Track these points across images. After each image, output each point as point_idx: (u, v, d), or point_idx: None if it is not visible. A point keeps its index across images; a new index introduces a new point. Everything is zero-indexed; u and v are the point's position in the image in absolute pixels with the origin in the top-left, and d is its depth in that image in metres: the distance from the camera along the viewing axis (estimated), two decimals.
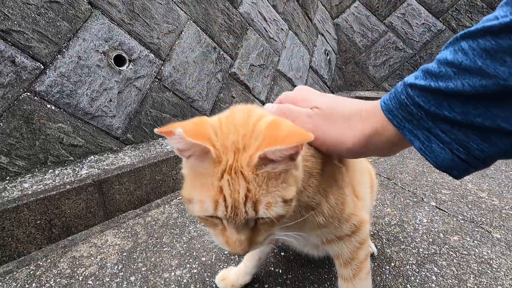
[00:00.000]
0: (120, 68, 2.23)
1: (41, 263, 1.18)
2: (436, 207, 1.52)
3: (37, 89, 1.83)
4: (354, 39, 5.12)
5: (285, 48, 3.93)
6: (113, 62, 2.19)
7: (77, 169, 1.80)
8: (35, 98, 1.82)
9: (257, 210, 0.45)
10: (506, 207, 1.52)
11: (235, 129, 0.49)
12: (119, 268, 1.10)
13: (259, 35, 3.53)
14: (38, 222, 1.50)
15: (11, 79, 1.73)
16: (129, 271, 1.07)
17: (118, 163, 1.91)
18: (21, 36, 1.78)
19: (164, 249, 1.22)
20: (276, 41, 3.79)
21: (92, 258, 1.17)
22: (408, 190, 1.73)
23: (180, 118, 2.57)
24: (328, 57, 4.86)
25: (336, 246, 0.68)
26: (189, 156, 0.49)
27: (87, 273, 1.07)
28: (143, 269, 1.10)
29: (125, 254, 1.18)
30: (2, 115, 1.69)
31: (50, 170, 1.77)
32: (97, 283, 1.02)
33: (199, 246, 1.24)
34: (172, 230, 1.38)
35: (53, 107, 1.88)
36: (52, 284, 1.02)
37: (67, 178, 1.69)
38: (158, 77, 2.47)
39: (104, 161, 1.93)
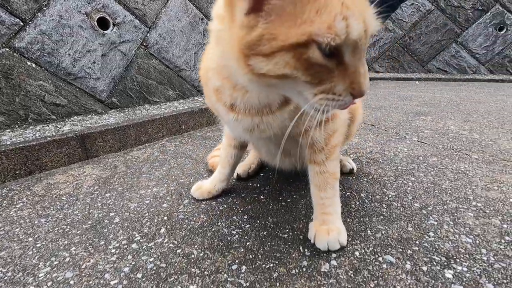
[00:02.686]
0: (104, 31, 2.19)
1: (14, 188, 1.15)
2: (418, 141, 1.54)
3: (16, 45, 1.78)
4: None
5: None
6: (96, 24, 2.14)
7: (59, 126, 1.77)
8: (14, 54, 1.77)
9: (372, 20, 0.43)
10: (487, 139, 1.56)
11: None
12: (95, 188, 1.07)
13: None
14: (17, 172, 1.47)
15: None
16: (104, 190, 1.05)
17: (102, 122, 1.88)
18: None
19: (143, 176, 1.20)
20: None
21: (68, 183, 1.14)
22: (392, 131, 1.75)
23: (167, 86, 2.54)
24: None
25: (315, 133, 0.69)
26: None
27: (61, 193, 1.04)
28: (119, 188, 1.07)
29: (102, 180, 1.16)
30: None
31: (31, 127, 1.73)
32: (71, 198, 1.00)
33: (178, 172, 1.23)
34: (153, 164, 1.35)
35: (33, 65, 1.83)
36: (25, 201, 0.99)
37: (48, 132, 1.65)
38: (144, 44, 2.43)
39: (87, 121, 1.89)
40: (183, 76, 2.69)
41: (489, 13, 4.46)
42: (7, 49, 1.74)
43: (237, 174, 1.14)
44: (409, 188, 1.02)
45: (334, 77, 0.43)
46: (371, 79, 4.67)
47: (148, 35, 2.46)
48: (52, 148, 1.56)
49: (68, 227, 0.81)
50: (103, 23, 2.20)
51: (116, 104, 2.20)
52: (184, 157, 1.45)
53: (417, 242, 0.73)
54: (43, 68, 1.87)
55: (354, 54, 0.42)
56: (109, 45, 2.19)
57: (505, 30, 4.47)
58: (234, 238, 0.75)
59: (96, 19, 2.15)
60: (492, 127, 1.82)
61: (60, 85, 1.92)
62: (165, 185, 1.09)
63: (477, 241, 0.73)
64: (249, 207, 0.92)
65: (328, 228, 0.72)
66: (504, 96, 3.08)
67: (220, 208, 0.91)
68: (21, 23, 1.81)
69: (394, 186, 1.04)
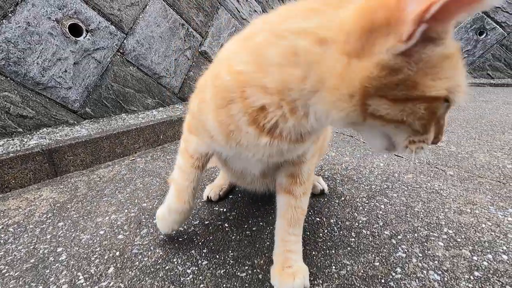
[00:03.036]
0: (77, 38, 2.10)
1: None
2: (395, 155, 1.50)
3: None
4: None
5: None
6: (67, 31, 2.05)
7: (25, 139, 1.67)
8: None
9: None
10: (463, 152, 1.54)
11: None
12: (48, 216, 1.00)
13: (231, 15, 3.44)
14: None
15: None
16: (58, 219, 0.97)
17: (73, 134, 1.79)
18: None
19: (104, 199, 1.13)
20: (249, 22, 3.71)
21: (20, 210, 1.05)
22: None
23: (145, 94, 2.46)
24: None
25: (305, 165, 0.72)
26: (433, 40, 0.38)
27: (9, 222, 0.96)
28: (75, 216, 0.99)
29: (58, 205, 1.08)
30: None
31: None
32: (18, 230, 0.92)
33: (143, 194, 1.17)
34: (117, 184, 1.28)
35: None
36: None
37: (12, 147, 1.56)
38: (121, 51, 2.35)
39: (57, 133, 1.80)
40: (163, 84, 2.62)
41: (469, 17, 4.50)
42: None
43: (208, 197, 1.08)
44: (380, 212, 0.98)
45: (430, 129, 0.45)
46: None
47: (125, 41, 2.38)
48: (15, 165, 1.48)
49: (6, 267, 0.74)
50: (75, 30, 2.11)
51: (90, 114, 2.11)
52: (152, 175, 1.38)
53: (383, 281, 0.69)
54: (8, 78, 1.77)
55: (446, 112, 0.46)
56: (82, 53, 2.10)
57: (485, 34, 4.53)
58: (188, 279, 0.70)
59: (67, 26, 2.05)
60: (469, 138, 1.81)
61: (27, 96, 1.83)
62: (126, 210, 1.03)
63: (445, 278, 0.69)
64: (211, 237, 0.86)
65: (293, 272, 0.67)
66: (483, 102, 3.09)
67: (179, 239, 0.85)
68: None
69: (366, 209, 1.00)
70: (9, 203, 1.15)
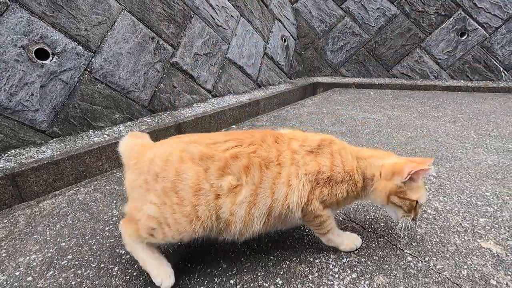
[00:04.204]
0: (43, 62, 2.25)
1: None
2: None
3: None
4: (312, 24, 5.15)
5: (235, 35, 3.94)
6: (34, 56, 2.20)
7: None
8: None
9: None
10: None
11: None
12: None
13: (205, 23, 3.53)
14: None
15: None
16: None
17: (38, 156, 1.98)
18: None
19: (33, 237, 1.26)
20: (225, 28, 3.80)
21: None
22: None
23: (113, 110, 2.62)
24: (286, 43, 4.90)
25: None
26: (412, 179, 1.03)
27: None
28: (3, 254, 1.14)
29: None
30: None
31: None
32: None
33: (66, 232, 1.30)
34: (51, 219, 1.42)
35: None
36: None
37: None
38: (88, 70, 2.49)
39: (24, 155, 1.99)
40: (132, 98, 2.77)
41: (451, 18, 4.50)
42: None
43: None
44: None
45: (412, 212, 1.08)
46: (334, 84, 4.75)
47: (92, 60, 2.52)
48: None
49: None
50: (42, 53, 2.26)
51: (58, 133, 2.29)
52: (84, 210, 1.52)
53: None
54: None
55: (419, 206, 1.08)
56: (49, 75, 2.26)
57: (466, 36, 4.53)
58: None
59: (33, 51, 2.20)
60: None
61: None
62: (46, 250, 1.19)
63: None
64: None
65: None
66: (435, 118, 3.16)
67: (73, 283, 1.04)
68: None
69: None
70: None
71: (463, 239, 1.19)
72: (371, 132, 2.60)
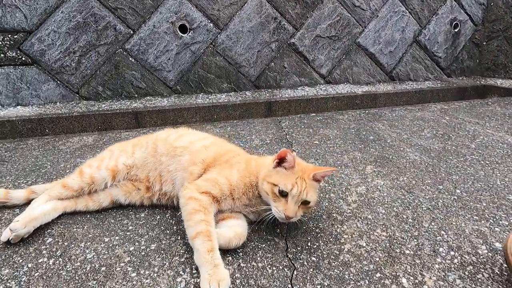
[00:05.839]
0: (182, 35, 2.94)
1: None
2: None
3: (126, 47, 2.83)
4: None
5: (376, 17, 3.44)
6: (177, 30, 2.92)
7: (134, 104, 2.75)
8: (124, 53, 2.83)
9: (307, 196, 1.02)
10: None
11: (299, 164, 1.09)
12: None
13: (339, 3, 3.30)
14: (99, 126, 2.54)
15: (112, 40, 2.78)
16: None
17: (158, 104, 2.73)
18: (121, 11, 2.77)
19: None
20: (363, 9, 3.39)
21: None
22: None
23: (223, 80, 3.09)
24: (457, 30, 3.75)
25: None
26: (282, 166, 1.06)
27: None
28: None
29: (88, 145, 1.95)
30: (105, 62, 2.80)
31: (121, 100, 2.81)
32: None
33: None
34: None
35: (133, 60, 2.86)
36: None
37: (123, 106, 2.66)
38: (213, 44, 3.03)
39: (151, 101, 2.80)
40: (242, 72, 3.14)
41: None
42: (120, 50, 2.82)
43: None
44: None
45: (281, 203, 1.01)
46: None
47: (218, 36, 3.03)
48: (118, 117, 2.55)
49: None
50: (182, 28, 2.95)
51: (178, 91, 3.01)
52: None
53: None
54: (137, 62, 2.87)
55: (292, 199, 1.00)
56: (183, 46, 2.94)
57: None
58: None
59: (178, 26, 2.92)
60: None
61: (144, 74, 2.89)
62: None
63: None
64: None
65: None
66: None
67: None
68: (131, 32, 2.82)
69: None
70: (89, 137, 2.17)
71: None
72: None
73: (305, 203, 1.04)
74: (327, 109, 2.96)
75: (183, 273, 0.90)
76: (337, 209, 1.25)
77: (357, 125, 2.40)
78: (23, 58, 2.62)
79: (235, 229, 1.00)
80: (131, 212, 1.21)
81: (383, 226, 1.14)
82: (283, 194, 1.01)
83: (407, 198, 1.33)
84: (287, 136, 2.16)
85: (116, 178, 1.19)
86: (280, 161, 1.06)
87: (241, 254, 0.99)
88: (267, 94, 3.03)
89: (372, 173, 1.55)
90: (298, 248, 1.03)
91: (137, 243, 1.04)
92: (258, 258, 0.98)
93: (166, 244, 1.03)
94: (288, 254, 1.00)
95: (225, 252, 0.97)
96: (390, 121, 2.48)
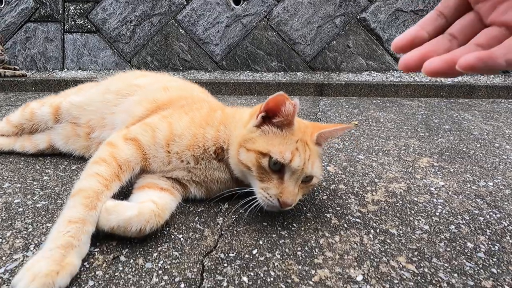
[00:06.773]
0: (235, 6, 2.71)
1: None
2: None
3: (178, 18, 2.76)
4: None
5: None
6: (230, 1, 2.70)
7: (176, 76, 2.65)
8: (175, 24, 2.76)
9: (312, 168, 0.67)
10: None
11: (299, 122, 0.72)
12: None
13: None
14: None
15: (166, 10, 2.74)
16: None
17: (199, 77, 2.56)
18: None
19: None
20: None
21: None
22: None
23: (273, 58, 2.74)
24: None
25: None
26: (271, 122, 0.68)
27: None
28: None
29: None
30: (157, 32, 2.78)
31: (166, 72, 2.74)
32: None
33: None
34: None
35: (182, 32, 2.77)
36: None
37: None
38: (267, 17, 2.71)
39: (194, 75, 2.65)
40: (296, 50, 2.73)
41: None
42: (172, 21, 2.76)
43: None
44: None
45: (272, 183, 0.66)
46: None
47: (274, 8, 2.69)
48: None
49: None
50: None
51: (224, 66, 2.78)
52: None
53: None
54: (187, 34, 2.76)
55: (291, 176, 0.65)
56: (234, 18, 2.71)
57: None
58: None
59: None
60: None
61: (191, 47, 2.77)
62: None
63: None
64: None
65: None
66: None
67: None
68: (185, 2, 2.74)
69: None
70: None
71: None
72: None
73: (306, 180, 0.68)
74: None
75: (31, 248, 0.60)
76: (337, 210, 0.77)
77: (429, 111, 1.73)
78: (89, 26, 2.80)
79: (147, 206, 0.61)
80: (65, 163, 0.98)
81: (414, 258, 0.61)
82: (276, 168, 0.65)
83: (486, 214, 0.75)
84: (319, 114, 1.68)
85: (59, 119, 0.98)
86: (270, 115, 0.68)
87: (138, 247, 0.62)
88: (321, 76, 2.55)
89: (427, 168, 0.98)
90: (228, 254, 0.60)
91: (29, 196, 0.78)
92: (160, 258, 0.60)
93: (55, 208, 0.74)
94: (208, 257, 0.59)
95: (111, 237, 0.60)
96: (485, 112, 1.73)
